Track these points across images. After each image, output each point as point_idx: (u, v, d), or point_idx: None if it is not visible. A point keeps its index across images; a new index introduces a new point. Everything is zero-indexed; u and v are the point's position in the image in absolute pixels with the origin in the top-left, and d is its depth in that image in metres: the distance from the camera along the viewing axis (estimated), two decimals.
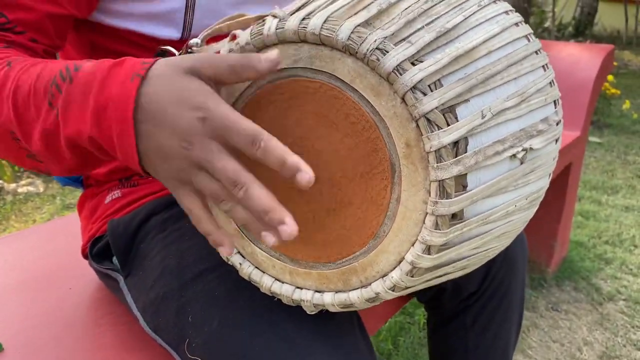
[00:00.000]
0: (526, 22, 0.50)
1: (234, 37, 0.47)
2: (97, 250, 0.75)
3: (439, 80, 0.40)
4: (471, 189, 0.42)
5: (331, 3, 0.44)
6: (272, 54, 0.42)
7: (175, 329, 0.60)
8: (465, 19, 0.44)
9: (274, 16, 0.44)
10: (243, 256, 0.55)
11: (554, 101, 0.49)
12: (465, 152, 0.41)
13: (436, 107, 0.40)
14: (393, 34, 0.41)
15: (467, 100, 0.41)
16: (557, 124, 0.49)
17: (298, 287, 0.53)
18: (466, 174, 0.41)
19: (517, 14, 0.50)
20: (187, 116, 0.41)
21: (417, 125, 0.40)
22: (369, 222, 0.46)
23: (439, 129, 0.40)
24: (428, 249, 0.43)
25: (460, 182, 0.41)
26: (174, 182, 0.44)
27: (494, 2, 0.48)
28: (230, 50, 0.47)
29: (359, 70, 0.42)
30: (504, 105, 0.43)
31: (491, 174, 0.43)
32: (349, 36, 0.41)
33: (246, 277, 0.55)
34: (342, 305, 0.50)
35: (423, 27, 0.42)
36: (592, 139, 3.62)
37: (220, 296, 0.59)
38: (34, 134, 0.49)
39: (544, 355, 1.57)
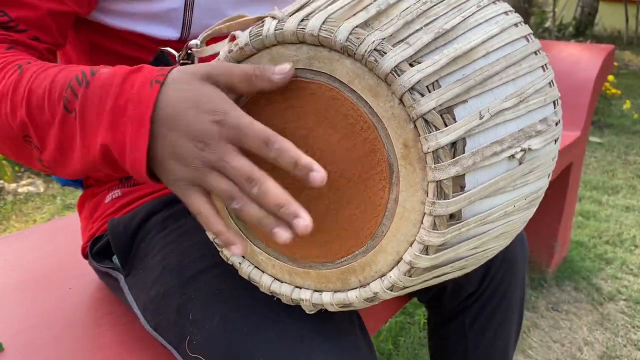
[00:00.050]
0: (526, 22, 0.50)
1: (234, 38, 0.47)
2: (97, 250, 0.75)
3: (437, 81, 0.41)
4: (469, 189, 0.42)
5: (330, 4, 0.44)
6: (285, 67, 0.44)
7: (175, 327, 0.61)
8: (464, 19, 0.44)
9: (273, 17, 0.45)
10: (242, 256, 0.55)
11: (553, 101, 0.49)
12: (463, 152, 0.41)
13: (434, 108, 0.40)
14: (391, 35, 0.41)
15: (465, 101, 0.42)
16: (557, 124, 0.49)
17: (297, 287, 0.53)
18: (464, 174, 0.41)
19: (517, 14, 0.50)
20: (203, 119, 0.43)
21: (415, 126, 0.41)
22: (367, 223, 0.46)
23: (436, 130, 0.40)
24: (426, 249, 0.43)
25: (458, 183, 0.41)
26: (184, 183, 0.45)
27: (494, 2, 0.48)
28: (230, 51, 0.47)
29: (357, 71, 0.42)
30: (503, 106, 0.43)
31: (489, 175, 0.43)
32: (347, 37, 0.41)
33: (246, 277, 0.55)
34: (340, 304, 0.50)
35: (421, 28, 0.42)
36: (592, 139, 3.62)
37: (221, 294, 0.59)
38: (48, 137, 0.50)
39: (544, 355, 1.57)
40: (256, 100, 0.47)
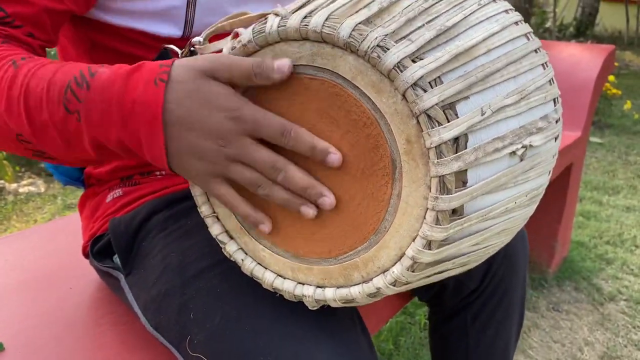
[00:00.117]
0: (527, 22, 0.50)
1: (237, 35, 0.48)
2: (98, 249, 0.75)
3: (439, 77, 0.41)
4: (471, 185, 0.42)
5: (333, 1, 0.44)
6: (285, 62, 0.45)
7: (177, 327, 0.61)
8: (465, 17, 0.44)
9: (276, 14, 0.45)
10: (245, 252, 0.55)
11: (554, 99, 0.50)
12: (465, 148, 0.41)
13: (436, 104, 0.40)
14: (394, 31, 0.41)
15: (467, 97, 0.42)
16: (557, 122, 0.50)
17: (300, 283, 0.53)
18: (466, 170, 0.42)
19: (517, 12, 0.50)
20: (219, 117, 0.45)
21: (418, 122, 0.41)
22: (370, 218, 0.46)
23: (439, 125, 0.40)
24: (429, 244, 0.44)
25: (461, 178, 0.42)
26: (206, 177, 0.48)
27: (494, 1, 0.48)
28: (233, 48, 0.47)
29: (360, 67, 0.42)
30: (504, 103, 0.43)
31: (491, 171, 0.43)
32: (350, 34, 0.41)
33: (248, 273, 0.55)
34: (343, 300, 0.50)
35: (423, 25, 0.42)
36: (593, 139, 3.62)
37: (223, 293, 0.59)
38: (47, 135, 0.51)
39: (545, 355, 1.57)
40: (260, 97, 0.47)
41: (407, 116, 0.41)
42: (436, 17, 0.43)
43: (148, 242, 0.68)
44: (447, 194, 0.41)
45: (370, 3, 0.43)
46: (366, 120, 0.43)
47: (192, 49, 0.56)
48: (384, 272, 0.47)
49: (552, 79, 0.50)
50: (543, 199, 0.51)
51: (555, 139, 0.50)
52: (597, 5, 8.78)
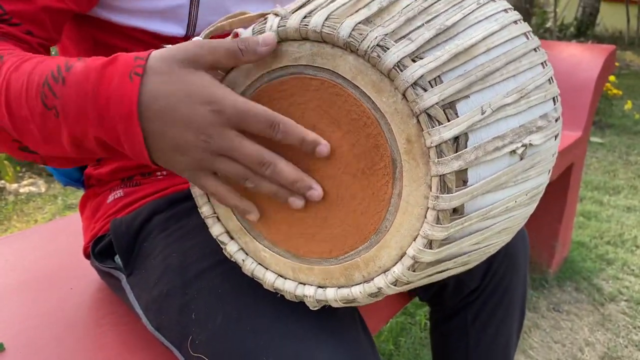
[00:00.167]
0: (528, 22, 0.50)
1: (236, 35, 0.48)
2: (99, 250, 0.75)
3: (439, 76, 0.41)
4: (472, 184, 0.42)
5: (332, 1, 0.44)
6: (269, 35, 0.44)
7: (178, 327, 0.61)
8: (465, 16, 0.44)
9: (276, 14, 0.45)
10: (246, 253, 0.55)
11: (553, 98, 0.50)
12: (466, 147, 0.41)
13: (437, 103, 0.40)
14: (393, 31, 0.41)
15: (467, 97, 0.42)
16: (557, 121, 0.50)
17: (301, 283, 0.53)
18: (467, 169, 0.42)
19: (516, 12, 0.50)
20: (200, 111, 0.43)
21: (418, 121, 0.41)
22: (371, 218, 0.46)
23: (439, 125, 0.40)
24: (430, 244, 0.44)
25: (461, 178, 0.42)
26: (192, 171, 0.47)
27: (493, 0, 0.48)
28: None
29: (360, 67, 0.42)
30: (504, 102, 0.44)
31: (491, 170, 0.43)
32: (350, 33, 0.41)
33: (249, 274, 0.55)
34: (344, 300, 0.50)
35: (423, 24, 0.42)
36: (593, 139, 3.62)
37: (224, 293, 0.59)
38: (29, 131, 0.50)
39: (545, 355, 1.57)
40: (259, 97, 0.47)
41: (407, 115, 0.41)
42: (436, 17, 0.43)
43: (149, 242, 0.68)
44: (447, 193, 0.41)
45: (369, 3, 0.43)
46: (366, 120, 0.43)
47: None
48: (385, 271, 0.47)
49: (551, 77, 0.50)
50: (543, 198, 0.51)
51: (555, 137, 0.50)
52: (597, 5, 8.78)
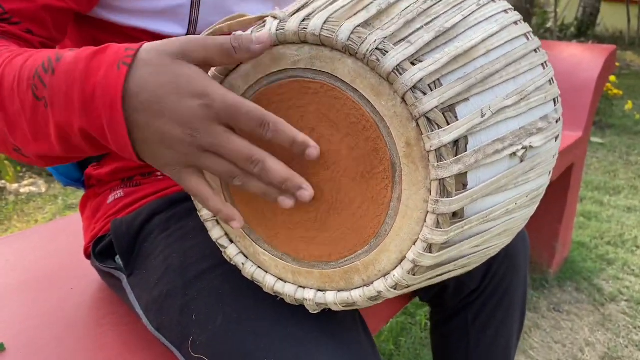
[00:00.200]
0: (528, 22, 0.50)
1: None
2: (100, 250, 0.75)
3: (438, 79, 0.41)
4: (471, 187, 0.42)
5: (331, 4, 0.44)
6: (263, 34, 0.43)
7: (179, 328, 0.61)
8: (464, 18, 0.44)
9: (275, 17, 0.45)
10: (246, 256, 0.55)
11: (554, 99, 0.50)
12: (465, 150, 0.41)
13: (436, 107, 0.40)
14: (392, 34, 0.41)
15: (466, 99, 0.42)
16: (557, 122, 0.49)
17: (300, 287, 0.53)
18: (466, 172, 0.42)
19: (516, 12, 0.50)
20: (189, 104, 0.41)
21: (418, 125, 0.41)
22: (371, 221, 0.46)
23: (439, 128, 0.40)
24: (429, 248, 0.43)
25: (461, 181, 0.42)
26: (177, 167, 0.45)
27: (493, 1, 0.48)
28: None
29: (359, 70, 0.42)
30: (504, 104, 0.43)
31: (491, 173, 0.43)
32: (349, 37, 0.41)
33: (249, 277, 0.55)
34: (344, 304, 0.50)
35: (422, 27, 0.42)
36: (594, 139, 3.62)
37: (225, 294, 0.59)
38: (21, 126, 0.49)
39: (545, 356, 1.57)
40: (258, 100, 0.47)
41: (406, 119, 0.41)
42: (435, 19, 0.43)
43: (150, 243, 0.68)
44: (447, 197, 0.41)
45: (368, 5, 0.42)
46: (365, 124, 0.43)
47: None
48: (384, 275, 0.47)
49: (552, 78, 0.50)
50: (544, 199, 0.51)
51: (556, 139, 0.50)
52: (598, 5, 8.77)
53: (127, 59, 0.42)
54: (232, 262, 0.56)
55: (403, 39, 0.41)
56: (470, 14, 0.44)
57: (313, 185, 0.48)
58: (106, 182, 0.77)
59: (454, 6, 0.44)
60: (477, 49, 0.43)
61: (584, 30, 8.50)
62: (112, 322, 0.74)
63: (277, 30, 0.44)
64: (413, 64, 0.40)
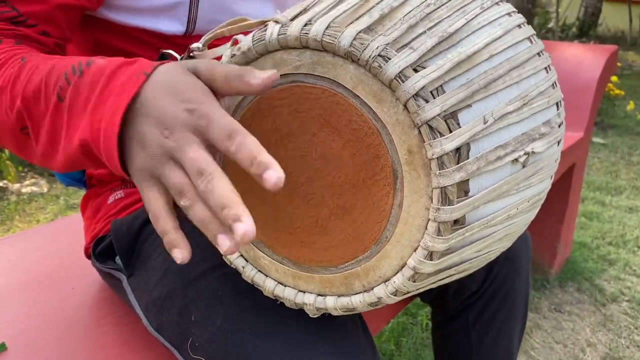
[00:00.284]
0: (530, 23, 0.50)
1: (236, 42, 0.47)
2: (100, 250, 0.75)
3: (441, 86, 0.40)
4: (473, 194, 0.42)
5: (333, 7, 0.43)
6: (269, 72, 0.42)
7: (178, 329, 0.61)
8: (467, 22, 0.44)
9: (276, 22, 0.44)
10: (246, 259, 0.55)
11: (557, 103, 0.49)
12: (467, 158, 0.41)
13: (438, 114, 0.40)
14: (395, 39, 0.41)
15: (469, 106, 0.41)
16: (560, 126, 0.49)
17: (300, 291, 0.53)
18: (468, 179, 0.41)
19: (520, 15, 0.50)
20: (176, 107, 0.41)
21: (420, 132, 0.40)
22: (372, 228, 0.46)
23: (441, 136, 0.40)
24: (430, 255, 0.43)
25: (463, 188, 0.41)
26: (143, 173, 0.42)
27: (497, 3, 0.48)
28: (233, 55, 0.47)
29: (361, 77, 0.41)
30: (506, 110, 0.43)
31: (493, 179, 0.43)
32: (351, 43, 0.40)
33: (249, 281, 0.55)
34: (344, 309, 0.50)
35: (425, 31, 0.42)
36: (595, 139, 3.61)
37: (224, 295, 0.59)
38: (42, 128, 0.49)
39: (547, 356, 1.57)
40: (260, 104, 0.47)
41: (408, 126, 0.41)
42: (438, 23, 0.42)
43: (149, 243, 0.68)
44: (448, 205, 0.41)
45: (371, 9, 0.42)
46: (367, 130, 0.43)
47: (190, 55, 0.56)
48: (385, 281, 0.47)
49: (555, 82, 0.49)
50: (545, 200, 0.51)
51: (558, 143, 0.50)
52: (600, 5, 8.75)
53: (149, 69, 0.43)
54: (232, 266, 0.56)
55: (405, 45, 0.41)
56: (473, 18, 0.44)
57: (314, 191, 0.48)
58: (107, 182, 0.77)
59: (458, 9, 0.44)
60: (480, 54, 0.43)
61: (585, 30, 8.48)
62: (112, 322, 0.75)
63: (278, 35, 0.43)
64: (415, 70, 0.40)
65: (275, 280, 0.54)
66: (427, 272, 0.44)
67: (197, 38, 0.67)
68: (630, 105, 4.17)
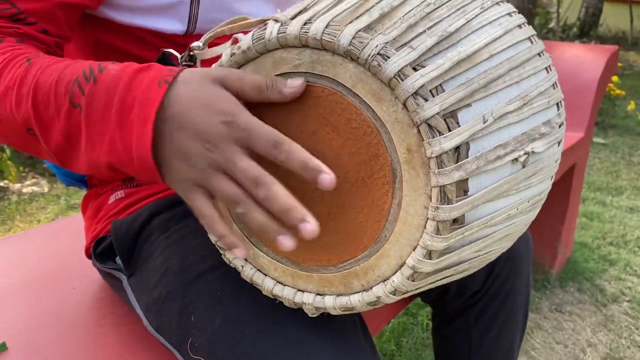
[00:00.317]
0: (530, 23, 0.50)
1: (236, 41, 0.47)
2: (100, 250, 0.75)
3: (440, 85, 0.40)
4: (472, 193, 0.42)
5: (333, 6, 0.44)
6: (297, 81, 0.44)
7: (178, 329, 0.61)
8: (468, 22, 0.43)
9: (276, 20, 0.44)
10: (245, 258, 0.55)
11: (557, 103, 0.49)
12: (467, 157, 0.41)
13: (437, 113, 0.39)
14: (394, 38, 0.41)
15: (468, 105, 0.41)
16: (560, 127, 0.49)
17: (300, 290, 0.53)
18: (467, 179, 0.41)
19: (520, 15, 0.50)
20: (213, 120, 0.43)
21: (419, 131, 0.40)
22: (371, 227, 0.46)
23: (440, 135, 0.40)
24: (429, 254, 0.43)
25: (462, 187, 0.41)
26: (188, 184, 0.45)
27: (497, 3, 0.47)
28: (232, 54, 0.47)
29: (361, 75, 0.42)
30: (506, 109, 0.43)
31: (493, 179, 0.43)
32: (351, 42, 0.40)
33: (248, 280, 0.55)
34: (343, 308, 0.50)
35: (425, 31, 0.42)
36: (596, 140, 3.61)
37: (223, 296, 0.59)
38: (53, 130, 0.50)
39: (547, 356, 1.57)
40: (260, 103, 0.47)
41: (407, 125, 0.41)
42: (438, 23, 0.42)
43: (149, 244, 0.69)
44: (447, 204, 0.41)
45: (371, 8, 0.42)
46: (366, 129, 0.43)
47: (191, 53, 0.56)
48: (384, 280, 0.47)
49: (555, 82, 0.49)
50: (546, 200, 0.51)
51: (558, 143, 0.49)
52: (600, 5, 8.75)
53: (169, 78, 0.44)
54: (231, 265, 0.56)
55: (405, 44, 0.41)
56: (473, 18, 0.44)
57: (313, 190, 0.48)
58: (108, 183, 0.77)
59: (458, 9, 0.44)
60: (480, 54, 0.43)
61: (586, 30, 8.48)
62: (113, 322, 0.75)
63: (278, 33, 0.43)
64: (415, 69, 0.40)
65: (274, 280, 0.54)
66: (426, 271, 0.44)
67: (198, 37, 0.67)
68: (631, 106, 4.17)
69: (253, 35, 0.45)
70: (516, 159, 0.44)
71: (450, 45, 0.42)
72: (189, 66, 0.57)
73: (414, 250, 0.44)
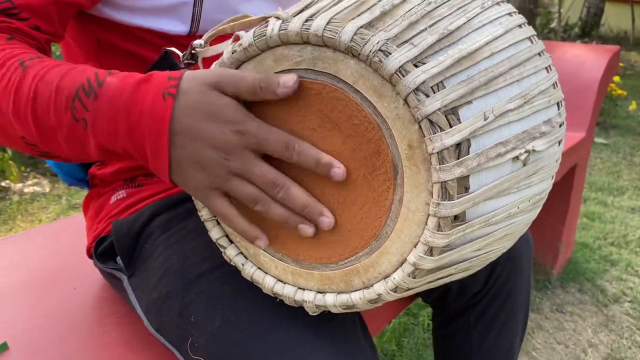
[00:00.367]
0: (532, 23, 0.50)
1: (237, 39, 0.48)
2: (101, 250, 0.75)
3: (441, 82, 0.40)
4: (473, 190, 0.42)
5: (334, 5, 0.44)
6: (291, 78, 0.45)
7: (178, 329, 0.61)
8: (469, 20, 0.44)
9: (277, 18, 0.44)
10: (245, 257, 0.55)
11: (557, 103, 0.49)
12: (468, 154, 0.41)
13: (439, 109, 0.40)
14: (396, 35, 0.41)
15: (469, 102, 0.41)
16: (560, 126, 0.49)
17: (300, 288, 0.53)
18: (468, 175, 0.41)
19: (520, 15, 0.50)
20: (224, 130, 0.45)
21: (420, 127, 0.40)
22: (372, 223, 0.46)
23: (441, 131, 0.40)
24: (430, 251, 0.43)
25: (463, 184, 0.41)
26: (205, 189, 0.48)
27: (497, 4, 0.48)
28: (234, 52, 0.47)
29: (362, 71, 0.42)
30: (507, 107, 0.43)
31: (493, 176, 0.43)
32: (352, 38, 0.41)
33: (248, 278, 0.55)
34: (344, 306, 0.50)
35: (426, 28, 0.42)
36: (597, 140, 3.61)
37: (223, 296, 0.59)
38: (55, 138, 0.51)
39: (548, 357, 1.57)
40: (262, 101, 0.47)
41: (408, 121, 0.41)
42: (439, 21, 0.43)
43: (150, 244, 0.68)
44: (449, 200, 0.41)
45: (372, 6, 0.42)
46: (367, 125, 0.43)
47: (192, 52, 0.56)
48: (385, 278, 0.47)
49: (555, 82, 0.49)
50: (547, 200, 0.51)
51: (559, 143, 0.50)
52: (602, 5, 8.75)
53: (172, 89, 0.46)
54: (231, 263, 0.56)
55: (406, 41, 0.41)
56: (474, 17, 0.44)
57: (314, 187, 0.48)
58: (109, 182, 0.77)
59: (458, 8, 0.44)
60: (481, 51, 0.43)
61: (588, 30, 8.48)
62: (114, 321, 0.75)
63: (279, 30, 0.44)
64: (416, 65, 0.40)
65: (275, 278, 0.54)
66: (427, 268, 0.44)
67: (200, 38, 0.67)
68: (633, 106, 4.17)
69: (254, 32, 0.45)
70: (517, 157, 0.44)
71: (451, 43, 0.42)
72: (191, 64, 0.57)
73: (415, 247, 0.44)
